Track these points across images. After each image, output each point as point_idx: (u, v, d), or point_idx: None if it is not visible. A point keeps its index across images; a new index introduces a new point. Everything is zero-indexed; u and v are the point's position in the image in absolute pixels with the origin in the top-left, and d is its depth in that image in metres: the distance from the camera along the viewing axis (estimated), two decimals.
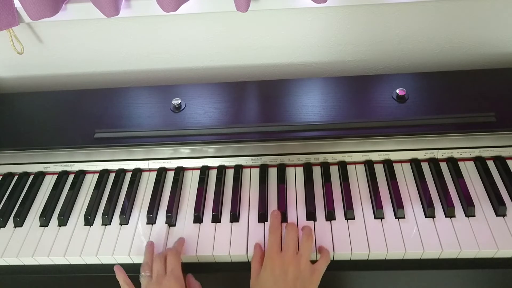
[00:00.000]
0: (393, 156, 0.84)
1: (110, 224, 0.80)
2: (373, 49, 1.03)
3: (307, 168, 0.84)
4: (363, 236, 0.73)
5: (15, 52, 0.98)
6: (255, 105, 0.90)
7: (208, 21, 0.97)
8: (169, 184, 0.84)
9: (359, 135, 0.82)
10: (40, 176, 0.89)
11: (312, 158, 0.85)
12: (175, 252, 0.71)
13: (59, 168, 0.89)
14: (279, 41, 1.01)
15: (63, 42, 1.02)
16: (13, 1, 0.89)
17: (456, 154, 0.83)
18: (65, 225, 0.80)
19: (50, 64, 1.07)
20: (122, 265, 0.76)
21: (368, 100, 0.88)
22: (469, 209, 0.74)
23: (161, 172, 0.86)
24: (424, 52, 1.03)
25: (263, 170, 0.84)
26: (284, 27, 0.98)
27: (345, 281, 0.75)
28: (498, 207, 0.74)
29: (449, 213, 0.75)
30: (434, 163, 0.82)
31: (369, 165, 0.83)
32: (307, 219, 0.76)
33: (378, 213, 0.76)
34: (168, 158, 0.86)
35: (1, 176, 0.90)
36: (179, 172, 0.86)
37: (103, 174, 0.87)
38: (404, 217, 0.75)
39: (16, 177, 0.90)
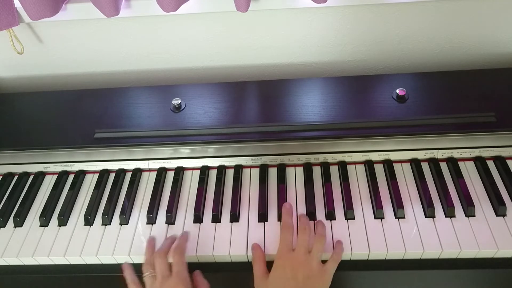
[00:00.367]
0: (393, 156, 0.84)
1: (110, 224, 0.80)
2: (373, 49, 1.03)
3: (307, 168, 0.84)
4: (363, 236, 0.73)
5: (15, 52, 0.98)
6: (255, 105, 0.90)
7: (208, 21, 0.97)
8: (169, 184, 0.84)
9: (359, 135, 0.82)
10: (40, 176, 0.89)
11: (312, 158, 0.85)
12: (179, 251, 0.70)
13: (59, 168, 0.89)
14: (279, 41, 1.01)
15: (63, 42, 1.02)
16: (13, 1, 0.89)
17: (456, 154, 0.83)
18: (65, 225, 0.80)
19: (50, 64, 1.07)
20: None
21: (368, 100, 0.88)
22: (469, 209, 0.74)
23: (161, 172, 0.86)
24: (424, 52, 1.03)
25: (263, 170, 0.84)
26: (284, 27, 0.98)
27: (345, 281, 0.75)
28: (498, 207, 0.74)
29: (449, 213, 0.75)
30: (434, 163, 0.82)
31: (369, 165, 0.83)
32: None
33: (378, 213, 0.76)
34: (168, 158, 0.86)
35: (1, 176, 0.90)
36: (179, 172, 0.86)
37: (103, 174, 0.87)
38: (404, 217, 0.75)
39: (16, 177, 0.90)
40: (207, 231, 0.77)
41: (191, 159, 0.86)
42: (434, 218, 0.75)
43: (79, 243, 0.77)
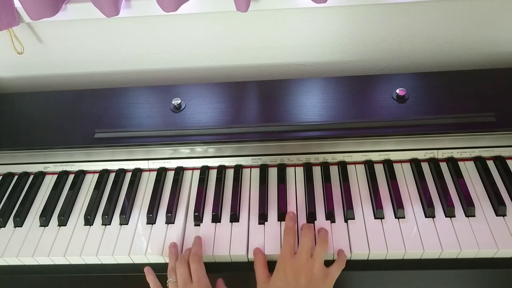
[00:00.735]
0: (393, 156, 0.84)
1: (110, 224, 0.80)
2: (373, 49, 1.03)
3: (307, 168, 0.84)
4: (363, 236, 0.73)
5: (15, 52, 0.98)
6: (255, 105, 0.90)
7: (208, 21, 0.97)
8: (169, 184, 0.84)
9: (359, 135, 0.82)
10: (40, 176, 0.89)
11: (312, 158, 0.85)
12: (197, 260, 0.71)
13: (59, 168, 0.89)
14: (279, 41, 1.01)
15: (63, 42, 1.02)
16: (13, 1, 0.89)
17: (456, 154, 0.83)
18: (65, 225, 0.80)
19: (50, 64, 1.07)
20: (122, 265, 0.76)
21: (368, 100, 0.88)
22: (469, 209, 0.74)
23: (161, 172, 0.86)
24: (424, 52, 1.03)
25: (263, 170, 0.84)
26: (284, 27, 0.98)
27: (345, 281, 0.75)
28: (498, 207, 0.74)
29: (449, 213, 0.75)
30: (434, 163, 0.82)
31: (369, 165, 0.83)
32: (307, 219, 0.76)
33: (378, 213, 0.76)
34: (168, 158, 0.86)
35: (1, 176, 0.90)
36: (179, 172, 0.86)
37: (103, 174, 0.87)
38: (404, 217, 0.75)
39: (16, 177, 0.90)
40: (207, 231, 0.76)
41: (191, 159, 0.86)
42: (434, 218, 0.75)
43: (79, 243, 0.77)
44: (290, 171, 0.85)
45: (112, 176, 0.87)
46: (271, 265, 0.71)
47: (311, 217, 0.76)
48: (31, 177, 0.89)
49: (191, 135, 0.85)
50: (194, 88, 0.96)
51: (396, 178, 0.81)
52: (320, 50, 1.03)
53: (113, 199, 0.83)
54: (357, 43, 1.01)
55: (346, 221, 0.76)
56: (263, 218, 0.77)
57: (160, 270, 0.73)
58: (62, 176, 0.88)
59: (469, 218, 0.74)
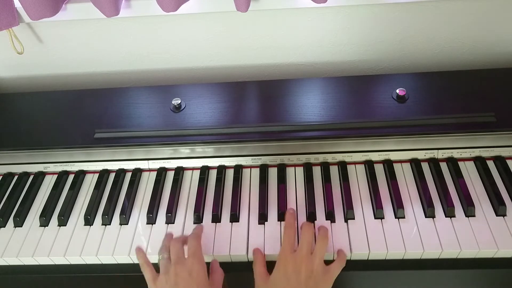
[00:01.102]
0: (393, 156, 0.84)
1: (110, 224, 0.80)
2: (373, 49, 1.03)
3: (307, 168, 0.84)
4: (363, 236, 0.73)
5: (15, 52, 0.98)
6: (255, 105, 0.90)
7: (208, 21, 0.97)
8: (169, 184, 0.84)
9: (359, 135, 0.82)
10: (40, 176, 0.89)
11: (312, 158, 0.85)
12: (195, 236, 0.71)
13: (59, 168, 0.89)
14: (279, 41, 1.01)
15: (63, 42, 1.02)
16: (13, 1, 0.89)
17: (456, 154, 0.83)
18: (65, 225, 0.80)
19: (50, 64, 1.07)
20: (122, 265, 0.76)
21: (368, 100, 0.88)
22: (469, 209, 0.74)
23: (161, 172, 0.86)
24: (424, 52, 1.03)
25: (263, 170, 0.84)
26: (284, 27, 0.98)
27: (345, 281, 0.75)
28: (498, 207, 0.74)
29: (449, 213, 0.75)
30: (434, 163, 0.82)
31: (369, 165, 0.83)
32: (307, 219, 0.76)
33: (378, 213, 0.76)
34: (168, 158, 0.86)
35: (1, 176, 0.90)
36: (179, 172, 0.86)
37: (103, 174, 0.87)
38: (404, 217, 0.75)
39: (16, 177, 0.90)
40: (207, 231, 0.76)
41: (191, 159, 0.86)
42: (434, 218, 0.75)
43: (79, 243, 0.77)
44: (290, 171, 0.85)
45: (112, 176, 0.87)
46: (271, 265, 0.71)
47: (311, 217, 0.76)
48: (31, 177, 0.89)
49: (191, 135, 0.85)
50: (194, 88, 0.96)
51: (396, 178, 0.81)
52: (320, 50, 1.03)
53: (113, 199, 0.83)
54: (357, 43, 1.01)
55: (346, 221, 0.76)
56: (263, 218, 0.77)
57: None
58: (62, 176, 0.88)
59: (469, 218, 0.74)
